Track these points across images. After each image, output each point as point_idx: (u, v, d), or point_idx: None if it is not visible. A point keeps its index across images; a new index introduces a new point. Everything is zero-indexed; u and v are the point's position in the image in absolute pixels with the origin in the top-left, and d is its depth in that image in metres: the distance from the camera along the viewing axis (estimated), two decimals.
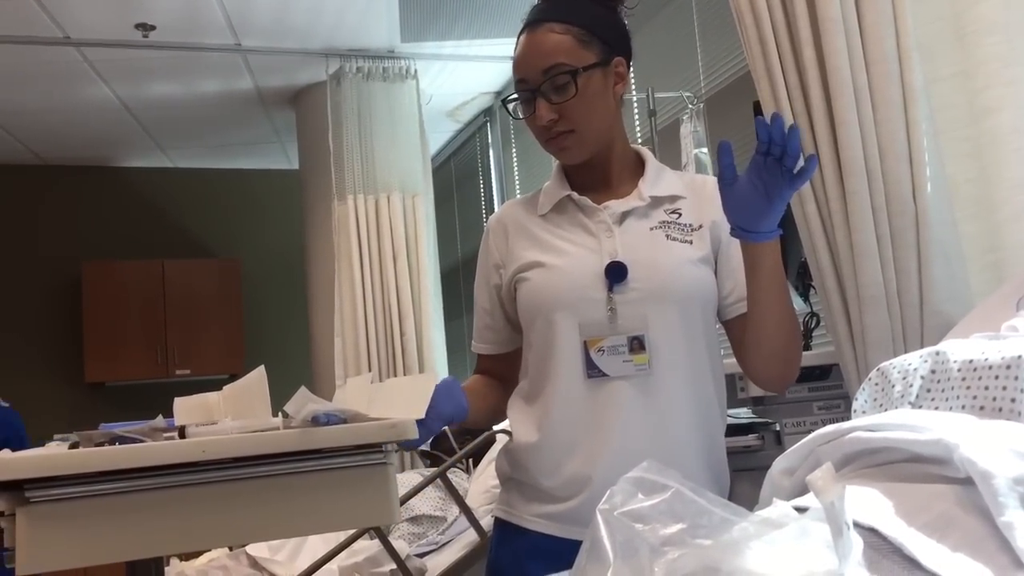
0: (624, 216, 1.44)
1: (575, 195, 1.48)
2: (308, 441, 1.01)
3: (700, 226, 1.44)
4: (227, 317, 4.86)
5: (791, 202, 1.71)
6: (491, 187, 5.62)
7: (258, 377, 1.08)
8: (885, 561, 0.73)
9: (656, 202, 1.46)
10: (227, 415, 1.08)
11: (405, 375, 4.44)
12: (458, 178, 6.16)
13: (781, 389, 1.53)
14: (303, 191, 5.33)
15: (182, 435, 1.02)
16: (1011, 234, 1.60)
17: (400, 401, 1.17)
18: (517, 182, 5.29)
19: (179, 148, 6.25)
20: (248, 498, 1.02)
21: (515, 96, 1.47)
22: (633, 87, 3.95)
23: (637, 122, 3.82)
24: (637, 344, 1.39)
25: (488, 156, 5.68)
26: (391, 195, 4.69)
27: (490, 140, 5.65)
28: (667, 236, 1.43)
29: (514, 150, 5.31)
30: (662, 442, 1.39)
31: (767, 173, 1.28)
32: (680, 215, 1.46)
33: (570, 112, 1.42)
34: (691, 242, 1.42)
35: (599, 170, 1.50)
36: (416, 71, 4.86)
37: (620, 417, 1.38)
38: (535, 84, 1.43)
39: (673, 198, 1.47)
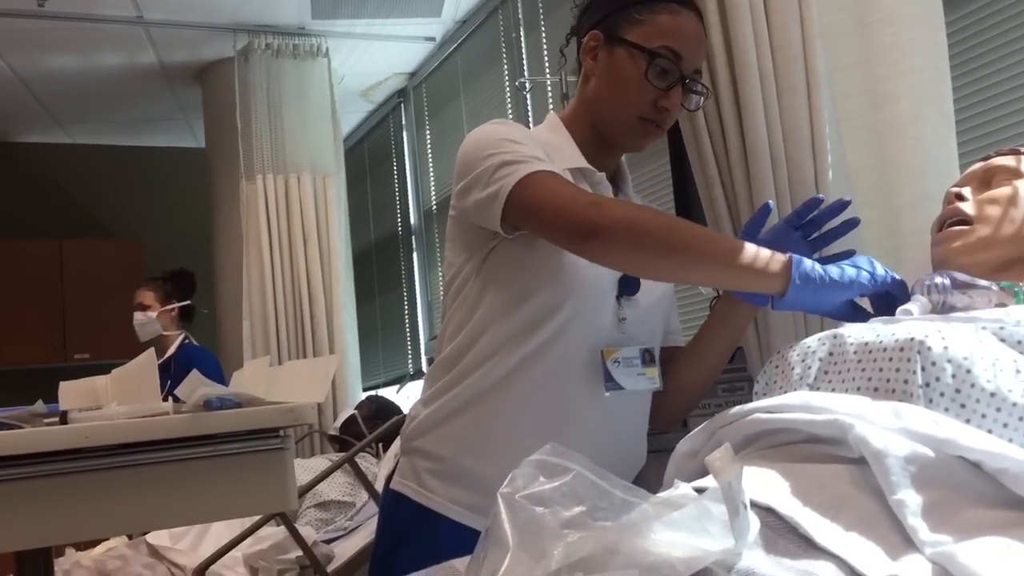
0: None
1: (600, 176, 1.40)
2: (199, 426, 0.97)
3: None
4: (129, 299, 4.72)
5: (699, 187, 1.72)
6: (405, 169, 5.56)
7: (147, 360, 1.03)
8: (781, 540, 0.74)
9: None
10: (114, 400, 1.03)
11: (315, 358, 4.37)
12: (371, 160, 6.07)
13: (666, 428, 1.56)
14: (209, 170, 5.18)
15: (64, 421, 0.97)
16: (908, 220, 1.64)
17: (299, 384, 1.13)
18: (431, 164, 5.24)
19: (78, 124, 6.01)
20: (137, 486, 0.98)
21: (662, 54, 1.33)
22: (547, 70, 3.95)
23: (551, 107, 3.82)
24: (649, 357, 1.35)
25: (402, 138, 5.61)
26: (301, 175, 4.59)
27: (404, 122, 5.58)
28: None
29: (428, 132, 5.26)
30: (630, 456, 1.43)
31: (792, 246, 1.30)
32: None
33: (674, 114, 1.39)
34: None
35: (614, 165, 1.46)
36: (328, 49, 4.76)
37: (615, 430, 1.38)
38: (684, 72, 1.35)
39: None
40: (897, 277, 1.18)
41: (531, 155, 1.27)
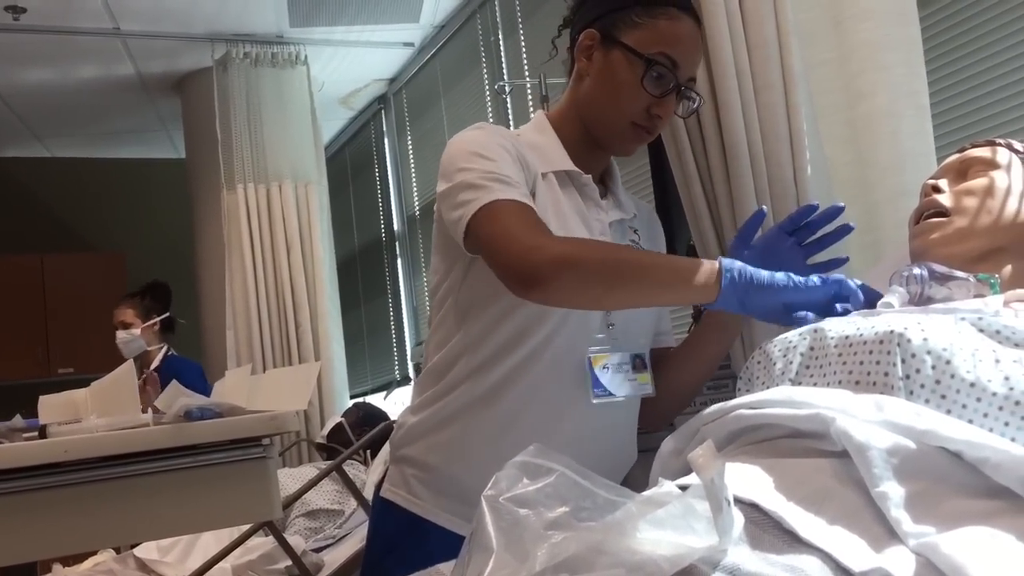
0: (609, 225, 1.39)
1: (587, 179, 1.37)
2: (180, 437, 0.96)
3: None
4: (112, 313, 4.70)
5: (679, 185, 1.73)
6: (387, 175, 5.55)
7: (126, 372, 1.02)
8: (765, 535, 0.74)
9: (626, 220, 1.44)
10: (93, 413, 1.02)
11: (297, 366, 4.34)
12: (353, 167, 6.06)
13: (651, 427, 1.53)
14: (190, 181, 5.16)
15: (43, 435, 0.96)
16: (886, 215, 1.65)
17: (281, 392, 1.13)
18: (413, 169, 5.24)
19: (57, 137, 5.97)
20: (118, 499, 0.97)
21: (659, 62, 1.30)
22: (527, 73, 3.95)
23: (531, 109, 3.82)
24: (640, 363, 1.34)
25: (383, 144, 5.60)
26: (283, 184, 4.58)
27: (385, 128, 5.58)
28: None
29: (409, 138, 5.25)
30: (619, 459, 1.41)
31: (786, 251, 1.30)
32: (637, 237, 1.45)
33: (666, 121, 1.37)
34: None
35: (602, 165, 1.43)
36: (306, 57, 4.75)
37: (604, 436, 1.35)
38: (679, 79, 1.31)
39: (633, 217, 1.46)
40: (862, 285, 1.17)
41: (498, 176, 1.24)
